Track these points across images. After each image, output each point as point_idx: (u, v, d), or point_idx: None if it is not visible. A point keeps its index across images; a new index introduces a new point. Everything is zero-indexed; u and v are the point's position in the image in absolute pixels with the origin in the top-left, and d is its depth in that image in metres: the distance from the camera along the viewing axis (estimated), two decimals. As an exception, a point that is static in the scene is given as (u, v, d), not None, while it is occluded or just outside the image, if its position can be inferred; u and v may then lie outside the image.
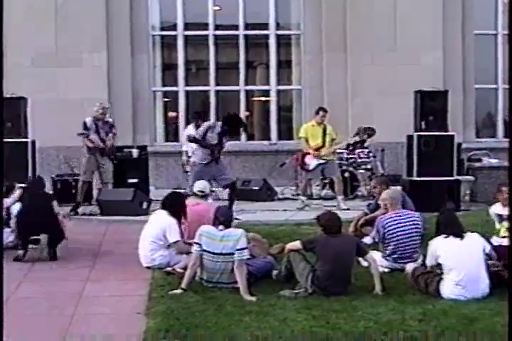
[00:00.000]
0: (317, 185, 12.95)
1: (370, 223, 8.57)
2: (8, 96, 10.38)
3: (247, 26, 15.19)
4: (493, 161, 12.81)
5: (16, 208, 8.19)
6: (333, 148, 11.75)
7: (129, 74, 14.63)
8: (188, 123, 13.73)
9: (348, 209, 10.75)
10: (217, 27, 15.15)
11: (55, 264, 7.91)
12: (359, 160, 12.58)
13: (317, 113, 11.75)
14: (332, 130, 11.77)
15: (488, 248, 6.65)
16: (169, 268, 7.38)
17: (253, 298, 6.38)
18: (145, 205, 10.86)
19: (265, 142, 15.26)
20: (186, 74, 15.34)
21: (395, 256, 7.49)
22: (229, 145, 10.76)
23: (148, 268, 7.58)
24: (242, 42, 15.18)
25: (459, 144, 12.21)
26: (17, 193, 8.41)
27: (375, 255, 7.14)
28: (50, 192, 10.41)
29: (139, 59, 14.81)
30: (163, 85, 15.47)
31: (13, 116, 10.87)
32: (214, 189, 10.84)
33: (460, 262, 6.40)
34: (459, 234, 6.54)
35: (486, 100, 15.72)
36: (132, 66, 14.69)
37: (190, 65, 15.69)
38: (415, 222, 7.60)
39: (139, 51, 14.77)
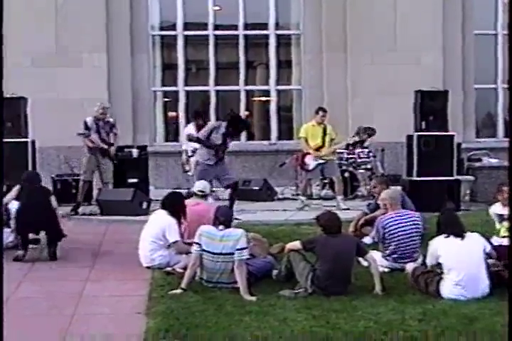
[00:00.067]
0: (317, 185, 12.94)
1: (369, 223, 8.57)
2: (8, 96, 10.37)
3: (247, 26, 15.19)
4: (493, 161, 12.81)
5: (14, 207, 8.16)
6: (332, 148, 11.75)
7: (129, 74, 14.63)
8: (188, 123, 13.72)
9: (347, 209, 10.76)
10: (217, 27, 15.15)
11: (54, 264, 7.91)
12: (359, 160, 12.58)
13: (317, 113, 11.75)
14: (332, 130, 11.77)
15: (488, 248, 6.65)
16: (169, 268, 7.38)
17: (253, 298, 6.38)
18: (145, 205, 10.86)
19: (265, 142, 15.26)
20: (186, 74, 15.34)
21: (395, 255, 7.50)
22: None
23: (148, 268, 7.58)
24: (242, 42, 15.18)
25: (459, 144, 12.20)
26: (14, 189, 8.34)
27: (375, 255, 7.14)
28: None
29: (139, 59, 14.81)
30: (163, 85, 15.47)
31: (13, 116, 10.86)
32: (214, 189, 10.83)
33: (460, 262, 6.40)
34: (460, 234, 6.54)
35: (485, 100, 15.72)
36: (132, 66, 14.69)
37: (190, 64, 15.69)
38: (415, 222, 7.61)
39: (138, 51, 14.78)
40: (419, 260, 7.34)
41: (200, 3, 15.07)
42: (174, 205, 7.73)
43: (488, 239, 6.98)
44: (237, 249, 6.62)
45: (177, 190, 9.11)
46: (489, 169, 12.37)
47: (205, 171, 10.07)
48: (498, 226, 8.13)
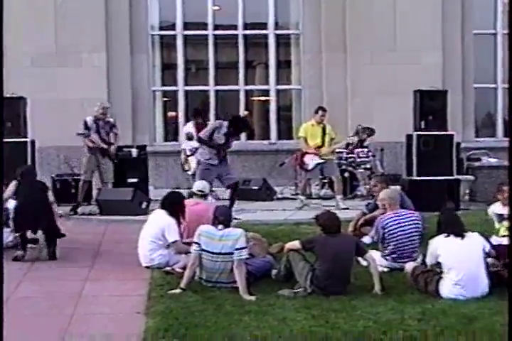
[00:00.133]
0: (316, 185, 12.94)
1: (369, 223, 8.57)
2: (7, 96, 10.37)
3: (247, 26, 15.19)
4: (493, 161, 12.81)
5: (11, 206, 8.12)
6: (332, 147, 11.75)
7: (129, 74, 14.63)
8: (187, 122, 13.71)
9: (347, 209, 10.76)
10: (216, 27, 15.15)
11: (54, 264, 7.90)
12: (358, 160, 12.57)
13: (316, 112, 11.75)
14: (331, 129, 11.77)
15: (487, 247, 6.66)
16: (168, 268, 7.39)
17: (252, 298, 6.38)
18: (144, 205, 10.86)
19: (265, 142, 15.26)
20: (186, 74, 15.34)
21: (395, 255, 7.50)
22: (229, 144, 10.76)
23: (147, 267, 7.58)
24: (241, 41, 15.18)
25: (459, 144, 12.21)
26: (12, 185, 8.29)
27: (375, 254, 7.14)
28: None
29: (139, 58, 14.81)
30: (163, 85, 15.47)
31: (13, 116, 10.86)
32: (214, 189, 10.83)
33: (460, 262, 6.41)
34: (460, 233, 6.55)
35: (485, 100, 15.71)
36: (132, 66, 14.69)
37: (189, 64, 15.68)
38: (415, 222, 7.61)
39: (138, 51, 14.77)
40: (419, 259, 7.34)
41: (199, 2, 15.07)
42: (174, 205, 7.73)
43: (487, 239, 6.98)
44: (237, 249, 6.62)
45: (176, 190, 9.11)
46: (489, 169, 12.38)
47: (207, 171, 10.07)
48: (497, 225, 8.13)
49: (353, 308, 6.06)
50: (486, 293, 6.41)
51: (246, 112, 15.35)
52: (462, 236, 6.53)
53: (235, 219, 8.93)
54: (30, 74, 13.73)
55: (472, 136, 15.28)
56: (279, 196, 12.66)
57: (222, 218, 6.83)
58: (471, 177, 12.26)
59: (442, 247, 6.50)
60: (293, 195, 12.67)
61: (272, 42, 15.21)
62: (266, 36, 15.21)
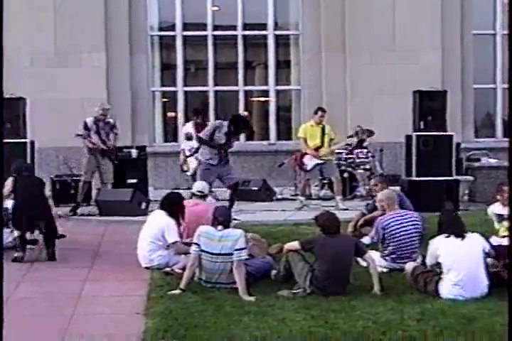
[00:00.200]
0: (316, 185, 12.94)
1: (369, 223, 8.57)
2: (7, 96, 10.36)
3: (246, 26, 15.19)
4: (492, 161, 12.81)
5: (10, 206, 8.10)
6: (331, 148, 11.75)
7: (128, 74, 14.63)
8: (187, 122, 13.71)
9: (346, 210, 10.76)
10: (215, 27, 15.15)
11: (53, 264, 7.90)
12: (358, 160, 12.57)
13: (316, 113, 11.75)
14: (331, 130, 11.77)
15: (487, 248, 6.66)
16: (168, 269, 7.39)
17: (252, 298, 6.38)
18: (144, 206, 10.86)
19: (264, 142, 15.27)
20: (185, 75, 15.34)
21: (394, 256, 7.50)
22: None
23: (147, 268, 7.58)
24: (240, 42, 15.18)
25: (458, 144, 12.21)
26: (9, 182, 8.24)
27: (374, 255, 7.15)
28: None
29: (138, 59, 14.81)
30: (162, 85, 15.47)
31: (12, 116, 10.87)
32: (214, 189, 10.82)
33: (460, 262, 6.41)
34: (461, 234, 6.55)
35: (484, 100, 15.72)
36: (131, 66, 14.69)
37: (188, 65, 15.68)
38: (415, 222, 7.61)
39: (137, 51, 14.78)
40: (418, 260, 7.34)
41: (198, 3, 15.08)
42: (173, 206, 7.73)
43: (487, 239, 6.99)
44: (236, 250, 6.62)
45: (176, 191, 9.11)
46: (488, 169, 12.37)
47: (208, 171, 10.05)
48: (496, 226, 8.13)
49: (353, 308, 6.06)
50: (486, 294, 6.41)
51: (246, 113, 15.35)
52: (463, 237, 6.54)
53: (235, 219, 8.93)
54: (29, 75, 13.74)
55: (471, 136, 15.29)
56: (279, 197, 12.66)
57: (222, 219, 6.83)
58: (470, 178, 12.26)
59: (442, 248, 6.51)
60: (292, 195, 12.67)
61: (271, 42, 15.21)
62: (265, 37, 15.22)
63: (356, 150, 12.56)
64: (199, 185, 8.72)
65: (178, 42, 15.12)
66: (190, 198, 8.61)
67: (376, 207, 8.36)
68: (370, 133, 12.66)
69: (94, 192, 11.58)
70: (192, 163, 11.50)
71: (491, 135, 15.69)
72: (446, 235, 6.56)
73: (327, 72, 14.78)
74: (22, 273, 7.49)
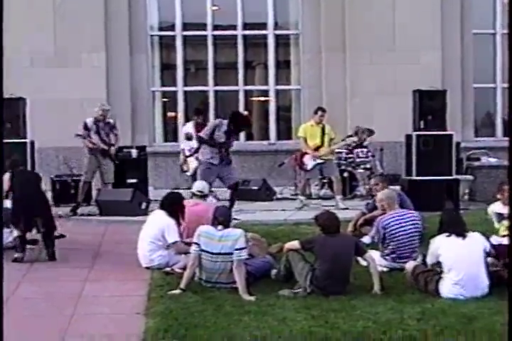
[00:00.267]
0: (316, 185, 12.94)
1: (369, 223, 8.57)
2: (7, 96, 10.35)
3: (246, 26, 15.19)
4: (492, 160, 12.81)
5: (9, 205, 8.07)
6: (331, 147, 11.75)
7: (128, 74, 14.64)
8: (187, 122, 13.70)
9: (346, 209, 10.76)
10: (215, 27, 15.15)
11: (53, 265, 7.90)
12: (358, 160, 12.58)
13: (316, 113, 11.76)
14: (331, 130, 11.77)
15: (488, 247, 6.66)
16: (168, 269, 7.39)
17: (252, 298, 6.38)
18: (144, 205, 10.85)
19: (264, 142, 15.27)
20: (185, 75, 15.34)
21: (394, 255, 7.50)
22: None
23: (147, 268, 7.58)
24: (240, 42, 15.18)
25: (458, 143, 12.22)
26: (6, 179, 8.18)
27: (374, 254, 7.15)
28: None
29: (138, 59, 14.81)
30: (162, 85, 15.47)
31: (12, 116, 10.87)
32: (214, 189, 10.81)
33: (460, 261, 6.41)
34: (462, 233, 6.55)
35: (484, 99, 15.72)
36: (131, 66, 14.70)
37: (188, 65, 15.68)
38: (415, 222, 7.61)
39: (137, 51, 14.78)
40: (419, 259, 7.33)
41: (198, 3, 15.08)
42: (173, 205, 7.73)
43: (487, 238, 6.99)
44: (236, 249, 6.62)
45: (176, 190, 9.11)
46: (488, 168, 12.37)
47: (208, 170, 10.03)
48: (497, 225, 8.12)
49: (353, 308, 6.06)
50: (486, 293, 6.42)
51: (246, 112, 15.35)
52: (463, 236, 6.53)
53: (235, 219, 8.93)
54: (29, 75, 13.75)
55: (471, 135, 15.29)
56: (279, 196, 12.66)
57: (222, 218, 6.83)
58: (470, 177, 12.26)
59: (443, 247, 6.51)
60: (292, 195, 12.67)
61: (271, 42, 15.21)
62: (265, 36, 15.22)
63: (356, 150, 12.57)
64: (199, 185, 8.72)
65: (178, 42, 15.12)
66: (191, 198, 8.60)
67: (376, 206, 8.36)
68: (370, 132, 12.68)
69: (94, 192, 11.57)
70: (192, 163, 11.49)
71: (490, 134, 15.68)
72: (447, 234, 6.56)
73: (327, 72, 14.78)
74: (22, 273, 7.49)
